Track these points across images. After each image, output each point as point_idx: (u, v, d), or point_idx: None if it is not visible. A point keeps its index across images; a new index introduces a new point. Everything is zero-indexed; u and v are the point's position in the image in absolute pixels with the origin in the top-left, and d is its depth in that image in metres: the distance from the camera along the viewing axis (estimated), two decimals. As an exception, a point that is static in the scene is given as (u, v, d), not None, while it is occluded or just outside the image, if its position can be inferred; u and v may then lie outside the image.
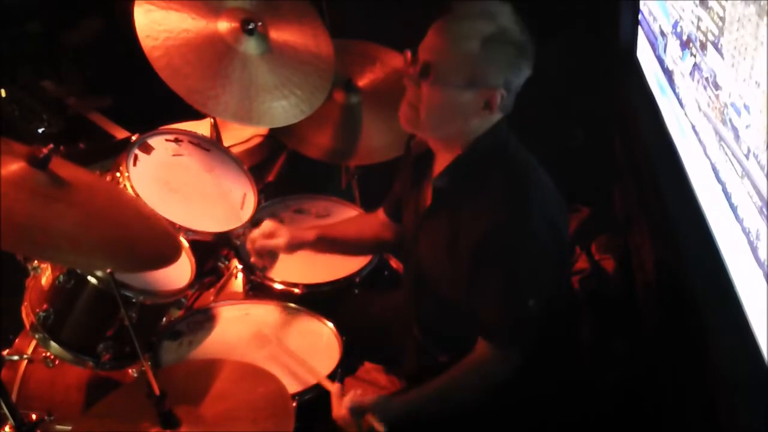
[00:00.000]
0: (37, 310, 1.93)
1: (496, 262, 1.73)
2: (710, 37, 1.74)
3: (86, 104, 3.01)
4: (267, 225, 2.08)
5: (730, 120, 1.58)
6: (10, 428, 1.75)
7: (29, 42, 3.17)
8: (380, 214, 2.19)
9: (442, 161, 1.86)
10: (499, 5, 1.74)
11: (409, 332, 2.05)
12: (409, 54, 1.75)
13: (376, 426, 1.66)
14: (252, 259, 2.10)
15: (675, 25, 2.10)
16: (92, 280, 1.89)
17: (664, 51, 2.23)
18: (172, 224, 2.14)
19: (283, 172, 2.91)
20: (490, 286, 1.75)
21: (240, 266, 2.31)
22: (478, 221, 1.74)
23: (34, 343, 2.15)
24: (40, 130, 2.77)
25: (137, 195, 2.13)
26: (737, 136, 1.54)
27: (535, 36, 1.76)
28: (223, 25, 2.31)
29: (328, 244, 2.16)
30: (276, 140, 2.81)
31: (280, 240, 2.05)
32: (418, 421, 1.76)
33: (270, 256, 2.09)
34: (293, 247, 2.08)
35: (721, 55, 1.65)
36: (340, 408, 1.72)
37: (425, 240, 1.90)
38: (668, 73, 2.19)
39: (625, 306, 2.33)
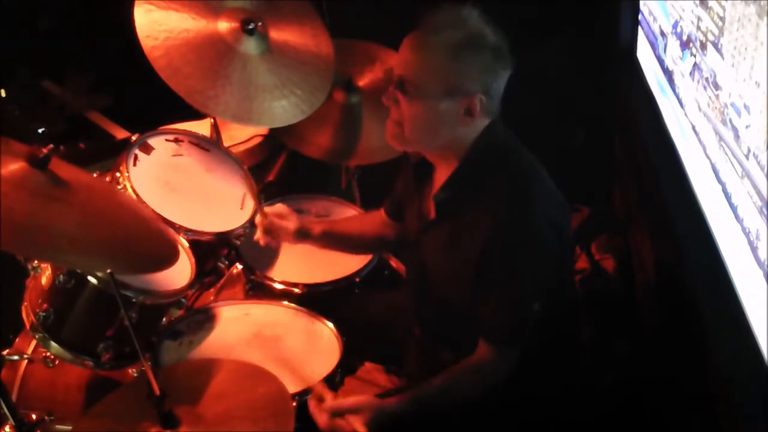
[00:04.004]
0: (37, 310, 1.92)
1: (500, 264, 1.73)
2: (710, 37, 1.74)
3: (86, 103, 3.01)
4: (280, 207, 2.10)
5: (730, 120, 1.58)
6: (10, 428, 1.74)
7: (29, 42, 3.17)
8: (381, 214, 2.19)
9: (441, 172, 1.86)
10: (468, 11, 1.73)
11: (409, 332, 2.05)
12: (389, 73, 1.76)
13: (357, 428, 1.65)
14: (256, 236, 2.10)
15: (675, 25, 2.10)
16: (92, 280, 1.89)
17: (664, 51, 2.23)
18: (173, 224, 2.14)
19: (283, 172, 2.91)
20: (493, 288, 1.75)
21: (240, 266, 2.31)
22: (482, 224, 1.74)
23: (34, 343, 2.15)
24: (40, 130, 2.77)
25: (137, 195, 2.13)
26: (737, 136, 1.54)
27: (534, 36, 1.77)
28: (223, 25, 2.30)
29: (331, 240, 2.16)
30: (276, 140, 2.81)
31: (290, 224, 2.07)
32: (417, 421, 1.76)
33: (273, 237, 2.10)
34: (300, 234, 2.08)
35: (721, 55, 1.65)
36: (321, 415, 1.70)
37: (429, 244, 1.90)
38: (668, 73, 2.19)
39: (625, 306, 2.33)
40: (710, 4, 1.73)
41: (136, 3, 2.21)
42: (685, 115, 1.99)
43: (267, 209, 2.10)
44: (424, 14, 1.74)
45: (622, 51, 2.69)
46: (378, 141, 2.55)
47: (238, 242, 2.29)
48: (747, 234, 1.51)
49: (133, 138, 2.32)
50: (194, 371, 1.78)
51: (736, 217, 1.57)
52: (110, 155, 2.40)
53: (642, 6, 2.54)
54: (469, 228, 1.77)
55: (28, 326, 1.96)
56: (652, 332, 2.21)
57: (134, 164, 2.22)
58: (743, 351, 1.49)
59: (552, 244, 1.77)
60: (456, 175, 1.80)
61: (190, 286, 2.10)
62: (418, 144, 1.82)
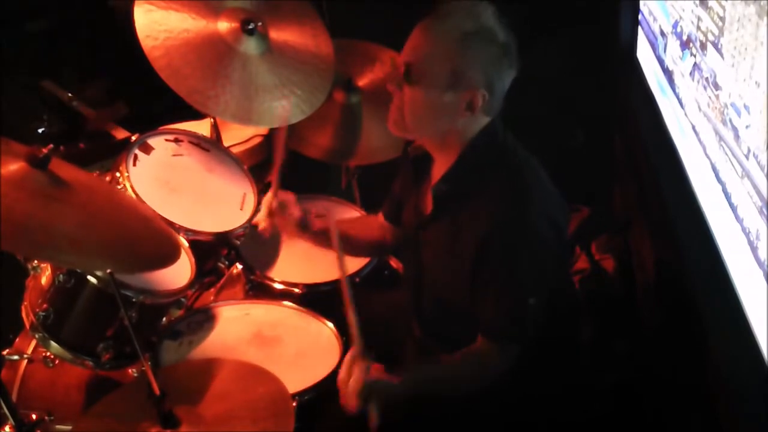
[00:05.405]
0: (37, 310, 1.93)
1: (497, 261, 1.73)
2: (710, 37, 1.74)
3: (104, 117, 3.00)
4: (287, 195, 2.08)
5: (730, 120, 1.58)
6: (10, 428, 1.75)
7: (29, 42, 3.17)
8: (380, 218, 2.19)
9: (440, 165, 1.86)
10: (482, 6, 1.73)
11: (409, 332, 2.05)
12: (396, 59, 1.76)
13: (372, 416, 1.64)
14: (257, 217, 2.07)
15: (675, 25, 2.10)
16: (92, 279, 1.89)
17: (664, 51, 2.24)
18: (172, 224, 2.14)
19: (283, 172, 2.90)
20: (491, 285, 1.75)
21: (240, 266, 2.31)
22: (480, 221, 1.74)
23: (34, 343, 2.15)
24: (40, 130, 2.77)
25: (137, 195, 2.13)
26: (737, 136, 1.54)
27: (534, 36, 1.77)
28: (223, 25, 2.30)
29: (328, 238, 2.15)
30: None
31: (294, 212, 2.05)
32: (418, 419, 1.76)
33: (274, 225, 2.08)
34: (301, 225, 2.07)
35: (721, 55, 1.65)
36: (348, 376, 1.68)
37: (427, 241, 1.90)
38: (668, 73, 2.19)
39: (625, 306, 2.33)
40: (710, 4, 1.73)
41: (136, 3, 2.21)
42: (685, 115, 1.99)
43: (279, 192, 2.07)
44: (438, 3, 1.73)
45: (622, 51, 2.69)
46: (378, 141, 2.56)
47: (238, 242, 2.29)
48: (747, 234, 1.51)
49: (133, 138, 2.32)
50: (194, 371, 1.78)
51: (736, 217, 1.57)
52: (110, 155, 2.40)
53: (642, 6, 2.54)
54: (467, 225, 1.77)
55: (28, 326, 1.96)
56: (652, 332, 2.21)
57: (134, 164, 2.22)
58: (743, 351, 1.49)
59: (550, 241, 1.77)
60: (455, 168, 1.80)
61: (190, 286, 2.10)
62: (417, 132, 1.82)
